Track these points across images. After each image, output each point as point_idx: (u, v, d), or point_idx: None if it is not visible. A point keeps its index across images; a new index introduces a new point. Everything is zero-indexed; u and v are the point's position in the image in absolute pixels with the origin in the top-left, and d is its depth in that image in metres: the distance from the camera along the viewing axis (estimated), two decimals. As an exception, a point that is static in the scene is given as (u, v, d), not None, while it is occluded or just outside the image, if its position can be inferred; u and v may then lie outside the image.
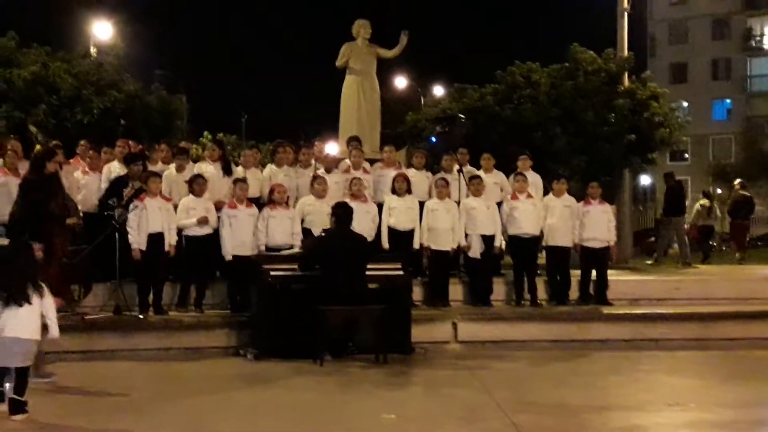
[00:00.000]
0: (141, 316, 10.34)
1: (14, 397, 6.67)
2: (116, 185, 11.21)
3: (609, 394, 7.97)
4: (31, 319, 6.82)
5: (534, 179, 12.77)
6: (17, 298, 6.74)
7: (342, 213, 9.87)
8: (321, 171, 12.24)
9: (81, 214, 11.05)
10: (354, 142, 13.10)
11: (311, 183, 11.65)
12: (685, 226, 20.20)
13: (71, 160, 12.44)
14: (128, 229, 10.43)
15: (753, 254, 25.81)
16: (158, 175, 11.08)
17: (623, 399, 7.74)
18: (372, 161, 13.16)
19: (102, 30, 24.47)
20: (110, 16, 25.15)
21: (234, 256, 10.89)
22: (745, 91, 59.14)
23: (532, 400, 7.55)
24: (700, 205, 20.51)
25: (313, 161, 12.79)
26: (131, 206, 10.48)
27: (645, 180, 50.44)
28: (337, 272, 9.34)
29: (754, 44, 59.82)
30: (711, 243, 20.96)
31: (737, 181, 22.71)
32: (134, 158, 11.57)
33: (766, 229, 40.40)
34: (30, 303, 6.80)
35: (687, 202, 20.47)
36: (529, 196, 12.16)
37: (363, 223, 11.04)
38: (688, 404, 7.46)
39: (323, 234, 10.23)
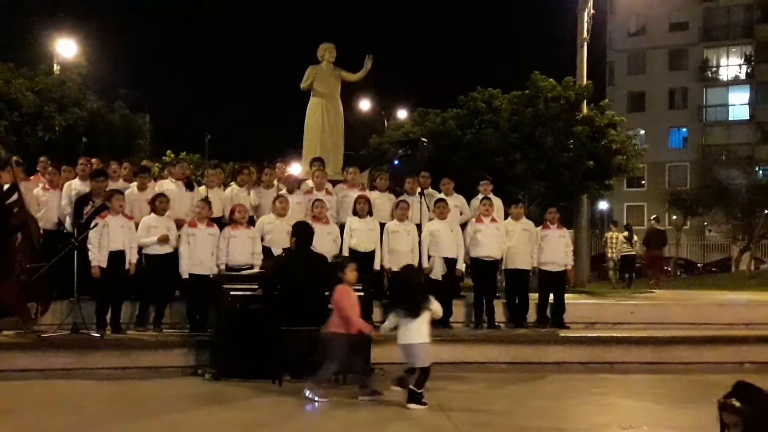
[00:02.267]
0: (98, 335, 10.25)
1: (413, 389, 8.00)
2: (79, 203, 11.15)
3: (565, 416, 8.05)
4: (423, 326, 8.19)
5: (496, 203, 12.91)
6: (415, 311, 8.15)
7: (302, 233, 9.86)
8: (283, 192, 12.28)
9: (41, 231, 10.98)
10: (317, 162, 13.19)
11: (273, 202, 11.69)
12: (611, 255, 22.46)
13: (32, 177, 12.37)
14: (89, 246, 10.35)
15: (699, 280, 26.82)
16: (121, 192, 11.04)
17: (579, 421, 7.84)
18: (335, 182, 13.25)
19: (66, 48, 24.35)
20: (74, 34, 25.05)
21: (192, 275, 10.86)
22: (701, 120, 60.38)
23: (489, 421, 7.62)
24: (624, 237, 21.89)
25: (275, 182, 12.85)
26: (92, 223, 10.43)
27: (603, 205, 51.16)
28: (298, 292, 9.33)
29: (710, 75, 61.21)
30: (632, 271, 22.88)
31: (653, 216, 25.95)
32: (99, 174, 11.52)
33: (720, 255, 41.14)
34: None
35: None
36: (494, 220, 12.29)
37: (324, 245, 11.07)
38: (641, 427, 7.57)
39: (283, 254, 10.24)
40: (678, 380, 10.27)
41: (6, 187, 10.59)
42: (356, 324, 8.42)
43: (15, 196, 10.51)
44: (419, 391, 8.02)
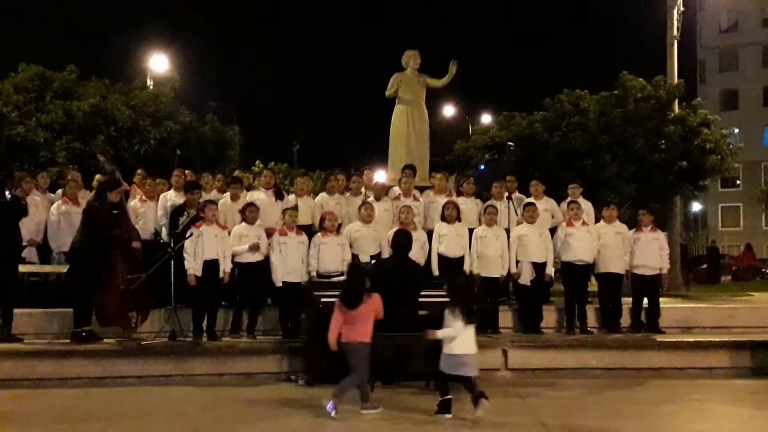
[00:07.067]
0: (195, 342, 10.49)
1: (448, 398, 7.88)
2: (175, 214, 11.47)
3: (663, 423, 7.87)
4: (473, 335, 7.93)
5: (585, 206, 12.70)
6: (472, 318, 7.90)
7: (401, 241, 9.86)
8: (371, 199, 12.37)
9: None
10: (408, 170, 13.20)
11: (359, 208, 11.79)
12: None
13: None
14: (185, 255, 10.64)
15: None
16: (215, 203, 11.30)
17: (677, 428, 7.67)
18: (421, 189, 13.27)
19: (158, 63, 25.06)
20: (165, 50, 25.78)
21: (284, 283, 11.04)
22: (798, 118, 58.26)
23: (584, 428, 7.50)
24: None
25: (363, 189, 12.95)
26: (188, 233, 10.71)
27: (696, 207, 49.85)
28: (389, 299, 9.33)
29: (807, 70, 59.00)
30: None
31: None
32: (193, 186, 11.83)
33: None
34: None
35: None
36: (585, 223, 12.11)
37: (412, 251, 11.07)
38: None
39: (378, 261, 10.26)
40: (781, 386, 9.91)
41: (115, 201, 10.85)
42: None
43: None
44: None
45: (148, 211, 12.16)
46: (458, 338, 7.83)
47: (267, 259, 11.20)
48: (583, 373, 10.40)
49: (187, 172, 13.06)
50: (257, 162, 31.04)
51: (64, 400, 8.71)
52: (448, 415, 7.83)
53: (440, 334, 7.90)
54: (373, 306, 8.16)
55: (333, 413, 7.71)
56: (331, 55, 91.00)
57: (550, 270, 12.02)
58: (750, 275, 33.98)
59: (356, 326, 8.10)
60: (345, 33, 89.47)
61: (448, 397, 7.91)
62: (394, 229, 10.77)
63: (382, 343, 9.04)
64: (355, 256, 11.31)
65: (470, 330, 7.89)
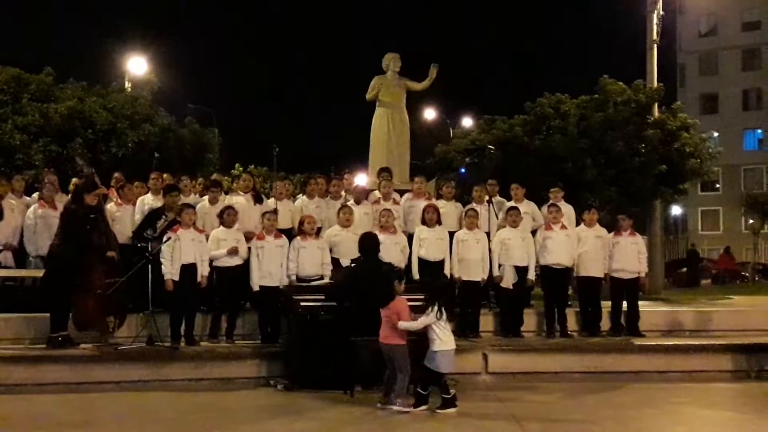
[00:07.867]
0: (173, 347, 10.38)
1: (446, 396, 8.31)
2: (151, 217, 11.35)
3: (643, 426, 7.89)
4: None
5: (566, 210, 12.69)
6: (448, 316, 8.43)
7: (368, 244, 9.87)
8: (351, 202, 12.32)
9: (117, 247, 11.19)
10: (384, 173, 13.18)
11: (337, 213, 11.74)
12: None
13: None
14: (162, 259, 10.53)
15: None
16: (192, 207, 11.20)
17: (657, 431, 7.66)
18: (401, 192, 13.24)
19: (137, 65, 24.91)
20: (144, 52, 25.62)
21: (262, 287, 10.95)
22: (776, 122, 58.76)
23: (564, 432, 7.50)
24: None
25: (343, 193, 12.90)
26: (165, 237, 10.61)
27: (676, 210, 50.18)
28: (367, 303, 9.30)
29: (785, 74, 59.48)
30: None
31: None
32: (171, 189, 11.73)
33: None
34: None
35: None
36: (564, 227, 12.10)
37: (392, 254, 11.05)
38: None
39: (353, 265, 10.24)
40: (760, 388, 9.96)
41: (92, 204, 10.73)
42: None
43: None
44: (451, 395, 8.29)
45: (125, 215, 12.00)
46: (446, 335, 8.33)
47: (246, 263, 11.11)
48: (564, 376, 10.41)
49: (165, 175, 12.93)
50: (237, 165, 30.92)
51: (41, 406, 8.61)
52: (453, 409, 8.25)
53: (404, 324, 8.34)
54: (395, 308, 8.50)
55: (405, 409, 8.25)
56: (313, 57, 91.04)
57: (532, 274, 12.00)
58: (729, 278, 34.25)
59: (389, 328, 8.44)
60: (324, 36, 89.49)
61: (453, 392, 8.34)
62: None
63: (363, 346, 9.04)
64: (335, 261, 11.27)
65: (449, 327, 8.44)
